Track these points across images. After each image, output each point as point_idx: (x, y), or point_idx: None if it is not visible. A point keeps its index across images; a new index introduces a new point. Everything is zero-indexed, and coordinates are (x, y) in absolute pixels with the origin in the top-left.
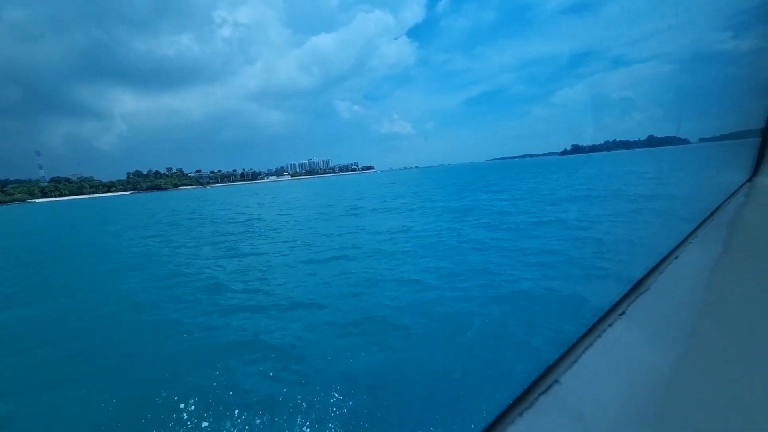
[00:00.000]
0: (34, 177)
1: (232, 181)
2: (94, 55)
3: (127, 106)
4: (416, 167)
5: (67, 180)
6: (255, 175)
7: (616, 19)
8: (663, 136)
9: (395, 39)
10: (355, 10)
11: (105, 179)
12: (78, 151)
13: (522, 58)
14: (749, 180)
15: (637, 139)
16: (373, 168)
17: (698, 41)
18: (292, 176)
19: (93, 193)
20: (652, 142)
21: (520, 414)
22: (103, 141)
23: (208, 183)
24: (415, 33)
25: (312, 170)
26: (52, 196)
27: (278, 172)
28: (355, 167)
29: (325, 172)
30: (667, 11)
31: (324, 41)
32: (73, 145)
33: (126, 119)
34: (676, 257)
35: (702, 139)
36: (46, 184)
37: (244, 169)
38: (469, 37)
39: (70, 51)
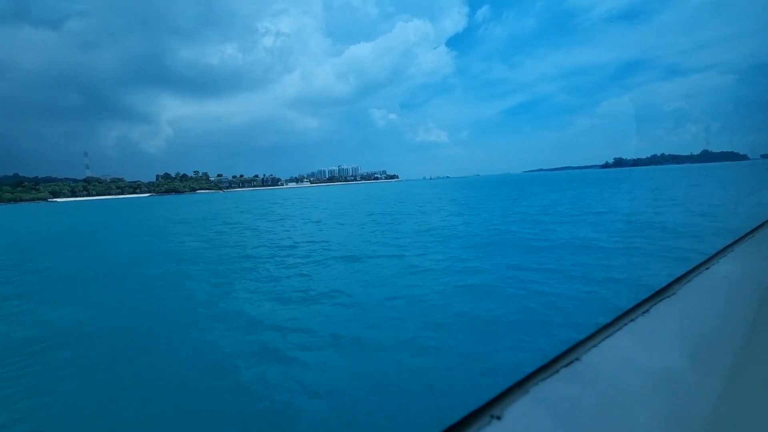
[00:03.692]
0: (81, 177)
1: (253, 186)
2: (145, 62)
3: (174, 112)
4: (447, 177)
5: (98, 180)
6: (275, 181)
7: (670, 26)
8: (719, 151)
9: (434, 48)
10: (395, 19)
11: (145, 181)
12: (127, 153)
13: (565, 67)
14: None
15: (689, 153)
16: (397, 177)
17: (761, 51)
18: (312, 183)
19: (119, 194)
20: (706, 156)
21: (543, 379)
22: (150, 144)
23: (227, 188)
24: (453, 42)
25: (333, 178)
26: (80, 196)
27: (298, 180)
28: (378, 176)
29: (346, 180)
30: (726, 19)
31: (362, 50)
32: (122, 148)
33: (172, 124)
34: (707, 268)
35: (764, 156)
36: (78, 183)
37: (264, 175)
38: (509, 45)
39: (124, 59)
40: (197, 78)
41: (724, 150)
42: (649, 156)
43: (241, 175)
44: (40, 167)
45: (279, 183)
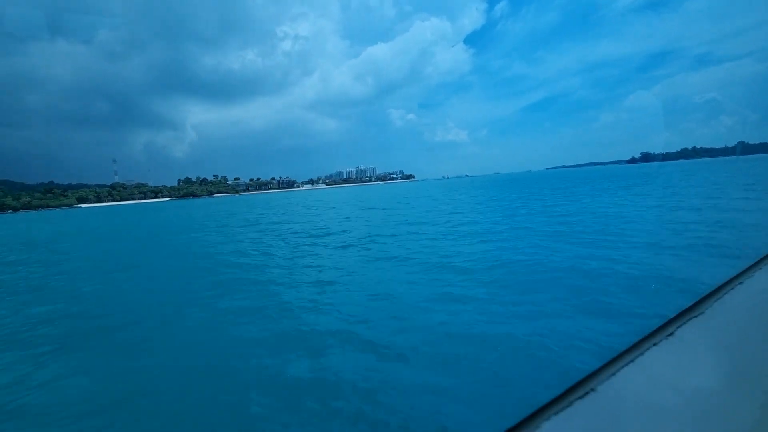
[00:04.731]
0: (110, 182)
1: (270, 189)
2: (170, 70)
3: (198, 117)
4: (467, 176)
5: (122, 186)
6: (291, 184)
7: (699, 14)
8: (758, 142)
9: (452, 47)
10: (412, 18)
11: (170, 185)
12: (154, 158)
13: (587, 61)
14: None
15: (724, 145)
16: (414, 177)
17: None
18: (327, 185)
19: (141, 199)
20: (744, 149)
21: (556, 413)
22: (176, 149)
23: (244, 191)
24: (471, 39)
25: (349, 179)
26: (105, 201)
27: (313, 182)
28: (395, 176)
29: (362, 181)
30: (762, 3)
31: (379, 50)
32: (150, 153)
33: (196, 129)
34: (741, 283)
35: None
36: (104, 189)
37: (280, 177)
38: (528, 41)
39: (150, 68)
40: (219, 83)
41: (764, 141)
42: (679, 150)
43: (258, 178)
44: (73, 174)
45: (295, 185)
